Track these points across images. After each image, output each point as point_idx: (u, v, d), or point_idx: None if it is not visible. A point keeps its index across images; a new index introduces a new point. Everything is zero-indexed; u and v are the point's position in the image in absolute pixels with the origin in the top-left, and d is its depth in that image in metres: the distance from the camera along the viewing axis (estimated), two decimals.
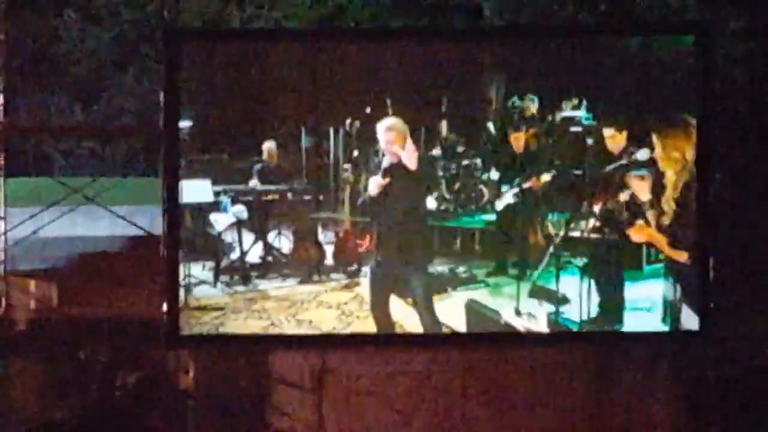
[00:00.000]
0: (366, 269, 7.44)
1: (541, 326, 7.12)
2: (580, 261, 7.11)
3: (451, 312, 7.24)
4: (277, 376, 7.77)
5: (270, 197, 7.68)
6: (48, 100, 10.02)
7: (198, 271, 7.48)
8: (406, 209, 7.03)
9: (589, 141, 7.33)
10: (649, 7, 9.13)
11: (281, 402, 7.73)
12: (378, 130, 7.01)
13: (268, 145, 7.57)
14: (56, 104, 10.06)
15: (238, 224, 7.65)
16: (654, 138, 6.68)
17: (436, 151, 7.57)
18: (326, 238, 7.69)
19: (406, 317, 7.23)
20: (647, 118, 6.92)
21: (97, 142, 10.11)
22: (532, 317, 7.14)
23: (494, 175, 7.59)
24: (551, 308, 7.14)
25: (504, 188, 7.49)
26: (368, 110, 7.33)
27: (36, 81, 10.05)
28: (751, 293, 7.77)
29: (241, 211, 7.61)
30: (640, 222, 6.81)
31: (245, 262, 7.65)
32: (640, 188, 6.80)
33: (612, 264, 7.10)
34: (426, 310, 7.12)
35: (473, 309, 7.28)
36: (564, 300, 7.12)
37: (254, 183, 7.63)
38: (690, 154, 6.64)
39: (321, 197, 7.69)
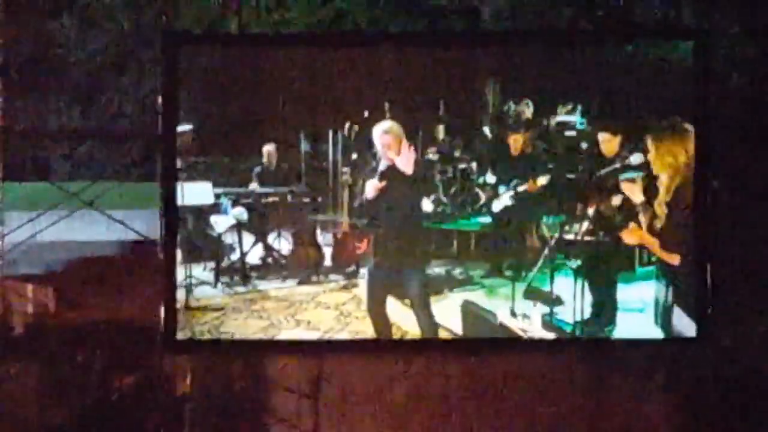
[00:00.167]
0: (363, 271, 7.58)
1: (536, 327, 7.28)
2: (574, 263, 7.28)
3: (448, 313, 7.40)
4: (274, 380, 7.84)
5: (269, 200, 7.87)
6: (45, 103, 9.90)
7: (199, 271, 7.66)
8: (403, 212, 7.17)
9: (584, 145, 7.52)
10: (647, 12, 8.96)
11: (278, 407, 7.81)
12: (374, 134, 7.18)
13: (268, 149, 7.77)
14: (54, 108, 9.98)
15: (238, 226, 7.84)
16: (648, 142, 6.82)
17: (433, 155, 7.75)
18: (325, 240, 7.89)
19: (403, 318, 7.40)
20: (642, 122, 7.07)
21: (95, 146, 10.07)
22: (527, 318, 7.32)
23: (490, 178, 7.77)
24: (545, 309, 7.31)
25: (502, 190, 7.70)
26: (366, 114, 7.49)
27: (33, 84, 9.93)
28: (749, 298, 7.82)
29: (241, 213, 7.82)
30: (633, 225, 6.94)
31: (245, 263, 7.83)
32: (631, 192, 6.95)
33: (605, 266, 7.27)
34: (423, 311, 7.27)
35: (469, 310, 7.45)
36: (558, 301, 7.30)
37: (254, 186, 7.82)
38: (683, 158, 6.76)
39: (320, 200, 7.88)
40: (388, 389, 7.77)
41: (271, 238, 7.95)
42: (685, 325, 7.03)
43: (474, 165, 7.81)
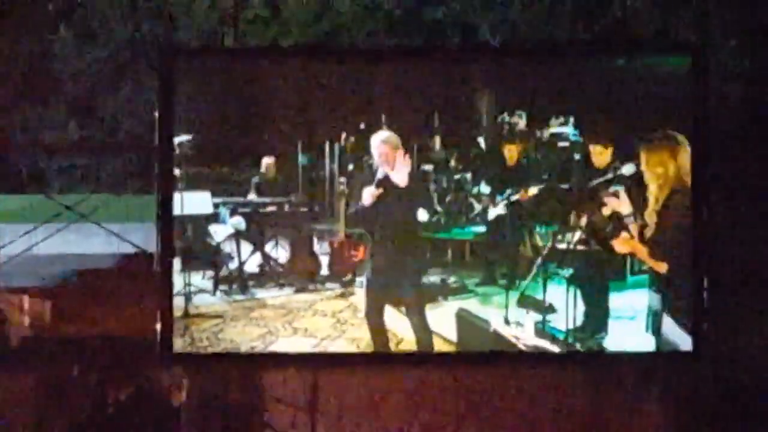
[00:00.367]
0: (359, 279, 7.80)
1: (529, 334, 7.47)
2: (567, 272, 7.48)
3: (442, 320, 7.59)
4: (270, 393, 8.04)
5: (267, 209, 8.12)
6: (42, 116, 10.09)
7: (198, 280, 7.84)
8: (399, 221, 7.33)
9: (576, 156, 7.75)
10: (645, 26, 9.33)
11: (274, 419, 8.00)
12: (372, 143, 7.34)
13: (266, 160, 7.99)
14: (51, 120, 10.14)
15: (237, 235, 8.08)
16: (640, 152, 6.88)
17: (428, 166, 8.00)
18: (321, 248, 8.13)
19: (399, 326, 7.58)
20: (634, 134, 7.13)
21: (92, 158, 10.18)
22: (520, 325, 7.50)
23: (484, 188, 8.02)
24: (538, 317, 7.49)
25: (498, 199, 7.95)
26: (362, 125, 7.72)
27: (30, 98, 10.08)
28: (745, 312, 8.02)
29: (239, 222, 8.06)
30: (624, 234, 7.01)
31: (243, 272, 8.08)
32: (616, 205, 7.05)
33: (597, 275, 7.49)
34: (418, 319, 7.44)
35: (463, 318, 7.66)
36: (551, 309, 7.47)
37: (252, 196, 8.06)
38: (673, 168, 6.79)
39: (316, 209, 8.14)
40: (383, 401, 7.96)
41: (269, 247, 8.17)
42: (674, 332, 7.04)
43: (468, 175, 8.04)
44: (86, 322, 8.16)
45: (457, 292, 7.91)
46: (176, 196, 7.55)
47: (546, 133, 7.98)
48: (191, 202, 7.71)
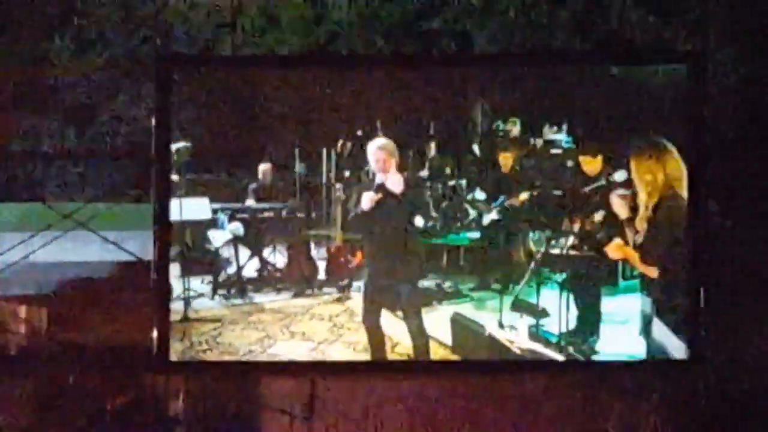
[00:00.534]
0: (356, 284, 8.01)
1: (523, 338, 7.64)
2: (560, 277, 7.69)
3: (438, 324, 7.76)
4: (267, 401, 8.11)
5: (265, 215, 8.30)
6: (39, 124, 10.13)
7: (197, 284, 8.02)
8: (395, 227, 7.56)
9: (569, 163, 7.99)
10: (641, 35, 9.17)
11: (272, 428, 8.08)
12: (369, 150, 7.58)
13: (263, 167, 8.17)
14: (47, 129, 10.15)
15: (235, 240, 8.25)
16: (630, 160, 7.12)
17: (424, 172, 8.21)
18: (319, 254, 8.31)
19: (395, 330, 7.75)
20: (625, 143, 7.35)
21: (89, 167, 10.23)
22: (514, 329, 7.68)
23: (479, 195, 8.23)
24: (532, 321, 7.68)
25: (492, 205, 8.16)
26: (359, 132, 7.96)
27: (26, 106, 10.09)
28: (742, 320, 8.08)
29: (237, 228, 8.23)
30: (617, 240, 7.26)
31: (241, 277, 8.23)
32: (621, 207, 7.32)
33: (589, 279, 7.67)
34: (414, 323, 7.62)
35: (458, 322, 7.84)
36: (544, 313, 7.67)
37: (250, 201, 8.23)
38: (661, 176, 6.99)
39: (313, 215, 8.31)
40: (382, 410, 8.06)
41: (267, 253, 8.35)
42: (665, 336, 7.28)
43: (463, 182, 8.24)
44: (83, 330, 8.21)
45: (452, 296, 8.09)
46: (175, 202, 7.64)
47: (540, 140, 8.19)
48: (190, 208, 7.82)
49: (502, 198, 8.18)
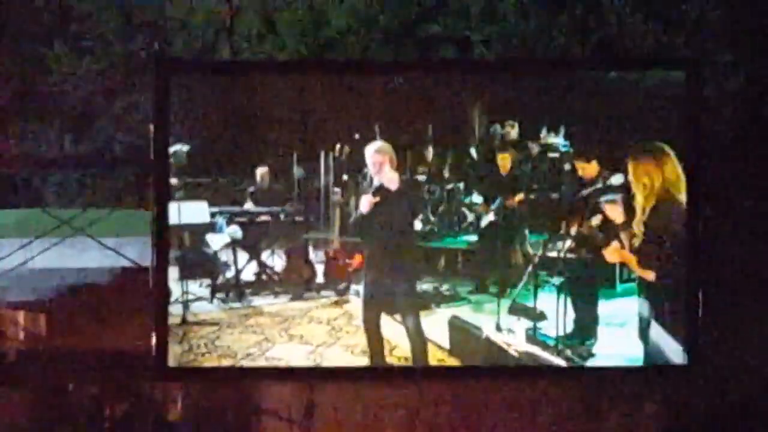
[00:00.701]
0: (354, 287, 8.11)
1: (520, 341, 7.72)
2: (557, 280, 7.74)
3: (436, 327, 7.85)
4: (265, 407, 8.27)
5: (263, 218, 8.38)
6: (38, 131, 10.16)
7: (195, 287, 8.10)
8: (395, 229, 7.59)
9: (566, 166, 8.09)
10: (636, 40, 9.44)
11: None
12: (366, 153, 7.60)
13: (261, 170, 8.26)
14: (46, 135, 10.20)
15: (233, 244, 8.34)
16: (628, 163, 7.14)
17: (421, 176, 8.30)
18: (317, 257, 8.41)
19: (394, 333, 7.82)
20: (621, 148, 7.39)
21: (87, 173, 10.20)
22: (512, 332, 7.77)
23: (477, 198, 8.35)
24: (529, 324, 7.77)
25: (490, 207, 8.26)
26: (357, 136, 8.00)
27: (25, 112, 10.09)
28: (740, 325, 8.26)
29: (235, 231, 8.33)
30: (615, 243, 7.30)
31: (240, 280, 8.34)
32: (613, 212, 7.40)
33: (586, 283, 7.76)
34: (413, 326, 7.67)
35: (456, 325, 7.94)
36: (541, 316, 7.74)
37: (248, 205, 8.32)
38: (659, 179, 7.02)
39: (311, 219, 8.41)
40: (380, 416, 8.20)
41: (265, 256, 8.44)
42: (662, 339, 7.32)
43: (461, 185, 8.36)
44: (82, 337, 8.31)
45: (450, 299, 8.16)
46: (173, 206, 7.70)
47: (537, 144, 8.30)
48: (188, 212, 7.91)
49: (499, 200, 8.27)
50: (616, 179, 7.55)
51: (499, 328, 7.86)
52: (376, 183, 7.60)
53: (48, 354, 8.38)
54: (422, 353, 7.75)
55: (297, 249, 8.44)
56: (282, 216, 8.41)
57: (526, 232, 8.24)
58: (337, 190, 8.36)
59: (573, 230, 7.80)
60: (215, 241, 8.30)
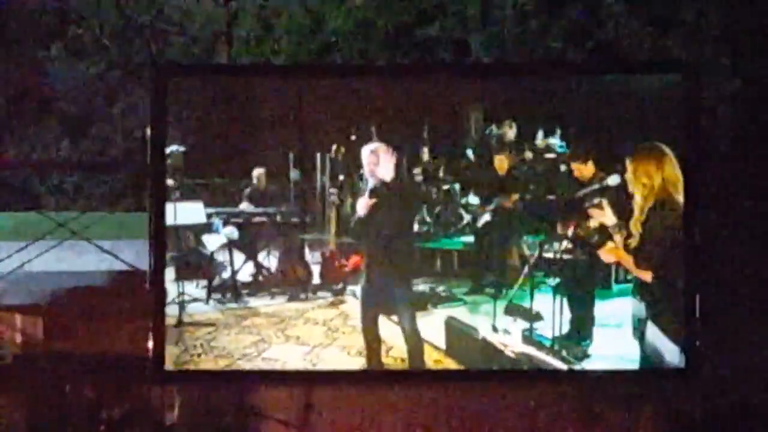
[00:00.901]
0: (350, 288, 8.17)
1: (516, 342, 7.74)
2: (553, 281, 7.76)
3: (432, 328, 7.87)
4: (262, 410, 8.23)
5: (259, 219, 8.44)
6: (35, 134, 10.24)
7: (191, 288, 8.15)
8: (393, 230, 7.58)
9: (563, 167, 8.11)
10: (634, 43, 9.51)
11: None
12: (362, 154, 7.59)
13: (258, 171, 8.34)
14: (43, 138, 10.28)
15: (230, 245, 8.39)
16: (627, 163, 7.09)
17: (418, 177, 8.35)
18: (313, 258, 8.45)
19: (390, 334, 7.81)
20: (619, 149, 7.37)
21: (85, 176, 10.26)
22: (508, 333, 7.78)
23: (472, 199, 8.41)
24: (525, 325, 7.78)
25: (486, 207, 8.32)
26: (353, 137, 8.07)
27: (22, 116, 10.19)
28: (739, 328, 8.24)
29: (232, 232, 8.37)
30: (610, 244, 7.21)
31: (236, 281, 8.38)
32: (600, 216, 7.28)
33: (583, 283, 7.79)
34: (409, 327, 7.67)
35: (452, 325, 7.95)
36: (537, 317, 7.76)
37: (245, 206, 8.39)
38: (658, 179, 6.97)
39: (308, 219, 8.47)
40: (377, 419, 8.17)
41: (261, 257, 8.49)
42: (659, 340, 7.20)
43: (457, 186, 8.42)
44: (79, 340, 8.32)
45: (446, 300, 8.20)
46: (170, 207, 7.68)
47: (534, 146, 8.35)
48: (185, 213, 7.94)
49: (495, 201, 8.32)
50: (613, 180, 7.53)
51: (495, 329, 7.87)
52: (370, 185, 7.61)
53: (45, 357, 8.37)
54: (419, 354, 7.76)
55: (293, 250, 8.48)
56: (278, 217, 8.45)
57: (523, 233, 8.27)
58: (334, 191, 8.40)
59: (569, 231, 7.81)
60: (211, 242, 8.34)
